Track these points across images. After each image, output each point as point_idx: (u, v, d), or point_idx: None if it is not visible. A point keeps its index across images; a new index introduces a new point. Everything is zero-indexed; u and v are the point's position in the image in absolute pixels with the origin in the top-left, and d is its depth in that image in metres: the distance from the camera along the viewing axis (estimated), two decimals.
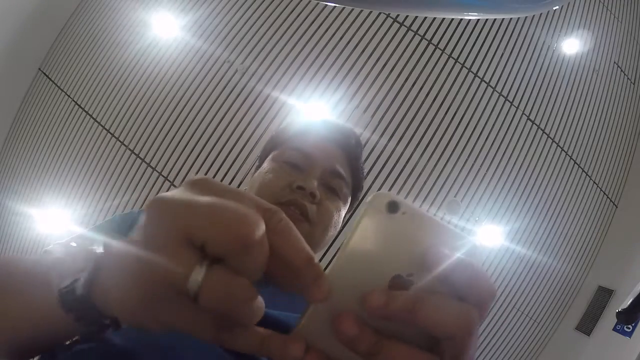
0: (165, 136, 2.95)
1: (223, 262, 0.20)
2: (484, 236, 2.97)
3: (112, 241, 0.25)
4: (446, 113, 2.91)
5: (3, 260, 0.39)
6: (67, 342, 0.33)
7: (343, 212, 0.64)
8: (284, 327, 0.41)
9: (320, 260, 2.77)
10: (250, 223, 0.20)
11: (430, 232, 0.23)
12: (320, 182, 0.59)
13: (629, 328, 2.71)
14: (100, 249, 0.26)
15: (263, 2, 2.91)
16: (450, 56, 2.93)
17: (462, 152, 2.92)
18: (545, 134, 3.07)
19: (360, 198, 0.73)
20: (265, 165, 0.63)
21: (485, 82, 2.96)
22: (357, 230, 0.23)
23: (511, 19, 3.01)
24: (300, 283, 0.22)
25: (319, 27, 2.88)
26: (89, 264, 0.26)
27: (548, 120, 3.08)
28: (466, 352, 0.22)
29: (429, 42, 2.92)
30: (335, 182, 0.61)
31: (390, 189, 2.83)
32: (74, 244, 0.48)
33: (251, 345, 0.22)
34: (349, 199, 0.66)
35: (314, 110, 2.80)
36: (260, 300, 0.21)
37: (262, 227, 0.21)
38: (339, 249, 0.24)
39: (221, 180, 2.91)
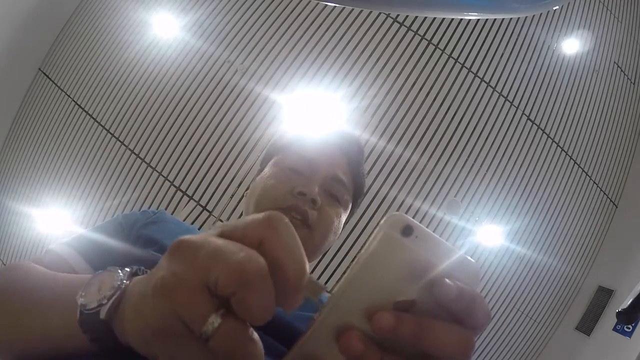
0: (165, 136, 2.95)
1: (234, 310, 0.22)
2: (484, 236, 2.97)
3: (139, 275, 0.28)
4: (446, 113, 2.91)
5: (23, 271, 0.40)
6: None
7: (343, 218, 0.65)
8: (291, 328, 0.43)
9: (318, 263, 2.77)
10: (246, 268, 0.21)
11: (439, 257, 0.24)
12: (321, 188, 0.59)
13: (629, 328, 2.71)
14: (126, 277, 0.28)
15: (263, 2, 2.91)
16: (450, 56, 2.93)
17: (462, 152, 2.92)
18: (545, 134, 3.07)
19: (360, 204, 0.73)
20: (267, 170, 0.64)
21: (485, 82, 2.96)
22: (371, 249, 0.24)
23: (511, 19, 3.01)
24: (283, 289, 0.23)
25: (319, 27, 2.88)
26: (116, 291, 0.27)
27: (548, 120, 3.08)
28: None
29: (429, 42, 2.92)
30: (336, 188, 0.61)
31: (390, 189, 2.83)
32: (76, 256, 0.48)
33: None
34: (350, 205, 0.66)
35: (313, 110, 2.80)
36: (260, 347, 0.22)
37: (259, 267, 0.21)
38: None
39: (221, 180, 2.90)
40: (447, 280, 0.23)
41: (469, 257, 0.25)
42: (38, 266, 0.42)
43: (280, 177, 0.59)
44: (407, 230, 0.24)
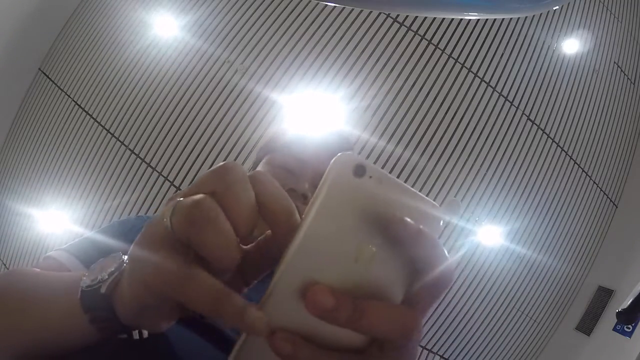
0: (165, 136, 2.95)
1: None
2: (484, 236, 2.97)
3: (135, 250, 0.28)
4: (446, 113, 2.91)
5: (20, 272, 0.40)
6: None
7: None
8: None
9: None
10: (224, 168, 0.24)
11: (397, 198, 0.23)
12: (311, 184, 0.60)
13: (629, 328, 2.71)
14: (125, 257, 0.29)
15: (263, 2, 2.91)
16: (450, 56, 2.93)
17: (462, 152, 2.92)
18: (545, 134, 3.07)
19: None
20: (260, 168, 0.65)
21: (485, 82, 2.96)
22: (322, 195, 0.22)
23: (511, 19, 3.01)
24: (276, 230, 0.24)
25: (319, 27, 2.88)
26: (117, 268, 0.28)
27: (548, 120, 3.08)
28: (405, 351, 0.23)
29: (429, 42, 2.92)
30: None
31: None
32: (73, 258, 0.48)
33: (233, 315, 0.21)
34: None
35: (313, 110, 2.80)
36: (228, 236, 0.22)
37: (235, 171, 0.24)
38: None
39: None
40: (404, 217, 0.22)
41: (432, 200, 0.24)
42: (35, 269, 0.42)
43: (272, 175, 0.59)
44: (359, 170, 0.22)
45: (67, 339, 0.31)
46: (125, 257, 0.29)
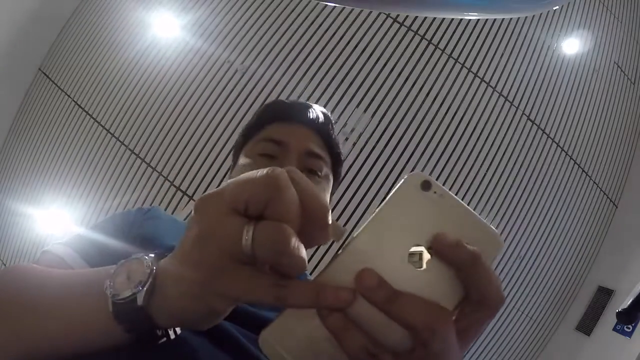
0: (166, 136, 2.95)
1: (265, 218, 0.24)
2: None
3: (166, 258, 0.29)
4: (446, 113, 2.91)
5: (21, 270, 0.38)
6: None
7: (328, 192, 0.63)
8: None
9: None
10: (274, 175, 0.24)
11: (456, 215, 0.25)
12: (298, 166, 0.57)
13: (629, 328, 2.71)
14: (154, 261, 0.29)
15: (263, 2, 2.91)
16: (450, 56, 2.93)
17: (462, 152, 2.92)
18: (545, 134, 3.07)
19: (342, 174, 0.71)
20: (240, 161, 0.62)
21: (485, 82, 2.96)
22: (390, 199, 0.26)
23: (511, 19, 3.01)
24: (317, 228, 0.25)
25: (319, 27, 2.88)
26: (149, 275, 0.28)
27: (548, 120, 3.08)
28: (431, 345, 0.23)
29: (429, 42, 2.92)
30: (313, 163, 0.59)
31: (390, 190, 2.82)
32: (74, 254, 0.47)
33: (308, 297, 0.24)
34: (331, 177, 0.65)
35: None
36: (303, 251, 0.24)
37: (284, 174, 0.24)
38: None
39: (221, 181, 2.90)
40: (455, 235, 0.24)
41: (488, 224, 0.25)
42: (37, 265, 0.41)
43: (254, 166, 0.57)
44: (426, 185, 0.26)
45: (92, 342, 0.30)
46: (150, 260, 0.29)
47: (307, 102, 0.69)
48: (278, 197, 0.23)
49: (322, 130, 0.64)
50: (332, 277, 0.25)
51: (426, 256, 0.25)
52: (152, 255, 0.30)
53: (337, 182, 0.69)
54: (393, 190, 0.26)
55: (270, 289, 0.24)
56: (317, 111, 0.66)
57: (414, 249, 0.25)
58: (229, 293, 0.25)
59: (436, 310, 0.24)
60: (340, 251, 0.26)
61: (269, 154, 0.58)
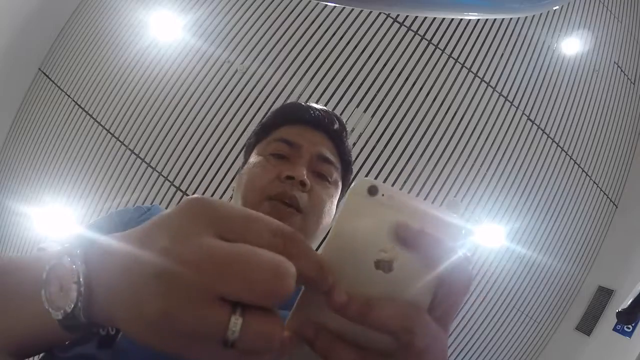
0: (166, 136, 2.95)
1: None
2: (484, 236, 2.97)
3: (93, 251, 0.25)
4: (446, 113, 2.91)
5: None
6: (66, 342, 0.32)
7: (335, 199, 0.63)
8: None
9: (317, 249, 2.77)
10: (284, 276, 0.21)
11: (411, 211, 0.25)
12: (309, 169, 0.57)
13: (629, 328, 2.71)
14: (78, 265, 0.25)
15: (263, 2, 2.91)
16: (450, 56, 2.93)
17: (462, 152, 2.92)
18: (545, 134, 3.07)
19: (350, 180, 0.71)
20: (252, 160, 0.62)
21: (485, 82, 2.96)
22: (341, 213, 0.25)
23: (511, 19, 3.01)
24: (319, 290, 0.24)
25: (319, 27, 2.88)
26: (79, 287, 0.24)
27: (548, 120, 3.08)
28: (414, 344, 0.24)
29: (429, 42, 2.92)
30: (324, 167, 0.59)
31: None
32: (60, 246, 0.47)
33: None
34: (340, 184, 0.64)
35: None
36: (289, 337, 0.24)
37: (294, 274, 0.21)
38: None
39: (221, 181, 2.89)
40: (410, 224, 0.24)
41: (447, 211, 0.25)
42: (2, 259, 0.39)
43: (266, 165, 0.57)
44: (373, 190, 0.25)
45: (37, 342, 0.30)
46: (76, 264, 0.25)
47: (324, 107, 0.68)
48: (279, 291, 0.20)
49: (336, 136, 0.64)
50: (306, 306, 0.25)
51: (395, 258, 0.25)
52: (78, 252, 0.25)
53: (344, 189, 0.68)
54: (342, 203, 0.26)
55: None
56: (332, 117, 0.66)
57: (381, 255, 0.24)
58: (177, 350, 0.21)
59: (409, 310, 0.24)
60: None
61: (280, 154, 0.58)
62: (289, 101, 2.81)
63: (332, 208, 0.61)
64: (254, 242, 0.22)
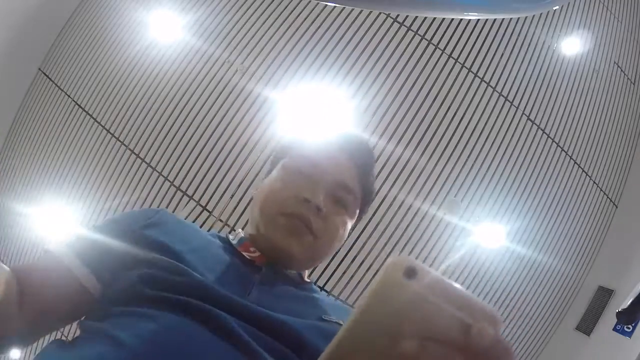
0: (166, 136, 2.95)
1: None
2: (484, 236, 2.97)
3: None
4: (446, 113, 2.91)
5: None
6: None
7: (349, 226, 0.63)
8: (299, 337, 0.44)
9: (325, 269, 2.77)
10: None
11: (446, 300, 0.23)
12: (328, 194, 0.57)
13: (629, 328, 2.71)
14: None
15: (263, 2, 2.91)
16: (450, 56, 2.93)
17: (462, 152, 2.92)
18: (545, 134, 3.07)
19: (367, 210, 0.71)
20: (275, 172, 0.62)
21: (485, 82, 2.96)
22: (374, 294, 0.23)
23: (511, 19, 3.01)
24: None
25: (319, 27, 2.88)
26: None
27: (548, 120, 3.08)
28: None
29: (429, 42, 2.92)
30: (343, 195, 0.59)
31: (390, 189, 2.82)
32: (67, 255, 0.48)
33: None
34: (357, 213, 0.65)
35: (313, 110, 2.79)
36: None
37: None
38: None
39: (221, 180, 2.89)
40: (485, 325, 0.22)
41: (480, 302, 0.24)
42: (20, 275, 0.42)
43: (287, 181, 0.58)
44: (410, 273, 0.23)
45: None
46: None
47: (356, 134, 0.69)
48: None
49: (363, 167, 0.64)
50: None
51: (413, 347, 0.23)
52: None
53: (361, 217, 0.69)
54: (375, 282, 0.23)
55: None
56: (362, 145, 0.66)
57: (407, 349, 0.23)
58: None
59: None
60: (325, 352, 0.24)
61: (305, 173, 0.58)
62: (289, 102, 2.81)
63: (344, 234, 0.61)
64: None
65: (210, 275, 0.47)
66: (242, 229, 0.63)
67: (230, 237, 0.61)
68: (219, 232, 0.65)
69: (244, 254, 0.55)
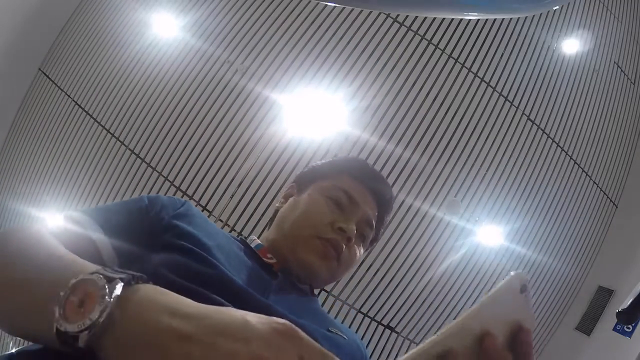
0: (165, 136, 2.95)
1: None
2: (484, 236, 2.97)
3: (131, 285, 0.27)
4: (446, 113, 2.91)
5: (22, 238, 0.40)
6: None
7: (361, 254, 0.72)
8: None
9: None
10: None
11: (526, 314, 0.31)
12: (357, 229, 0.64)
13: (629, 328, 2.71)
14: (113, 293, 0.26)
15: (263, 2, 2.91)
16: (450, 56, 2.93)
17: (462, 152, 2.92)
18: (545, 134, 3.07)
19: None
20: (310, 193, 0.67)
21: (485, 82, 2.96)
22: (494, 294, 0.30)
23: (511, 19, 3.01)
24: None
25: (319, 27, 2.88)
26: (101, 314, 0.25)
27: (548, 120, 3.08)
28: None
29: (429, 42, 2.92)
30: (366, 230, 0.67)
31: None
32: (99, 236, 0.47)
33: None
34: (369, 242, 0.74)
35: (313, 110, 2.80)
36: None
37: None
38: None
39: (221, 180, 2.89)
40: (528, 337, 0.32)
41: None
42: (41, 232, 0.42)
43: (323, 207, 0.63)
44: (524, 289, 0.30)
45: (33, 334, 0.32)
46: (109, 290, 0.26)
47: (383, 175, 0.77)
48: None
49: (384, 209, 0.73)
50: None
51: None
52: (118, 277, 0.27)
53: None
54: (498, 286, 0.30)
55: None
56: (388, 191, 0.75)
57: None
58: None
59: None
60: (439, 334, 0.29)
61: (340, 202, 0.65)
62: (289, 102, 2.81)
63: (358, 262, 0.69)
64: None
65: (234, 273, 0.48)
66: (258, 237, 0.68)
67: (248, 241, 0.65)
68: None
69: (263, 258, 0.60)
